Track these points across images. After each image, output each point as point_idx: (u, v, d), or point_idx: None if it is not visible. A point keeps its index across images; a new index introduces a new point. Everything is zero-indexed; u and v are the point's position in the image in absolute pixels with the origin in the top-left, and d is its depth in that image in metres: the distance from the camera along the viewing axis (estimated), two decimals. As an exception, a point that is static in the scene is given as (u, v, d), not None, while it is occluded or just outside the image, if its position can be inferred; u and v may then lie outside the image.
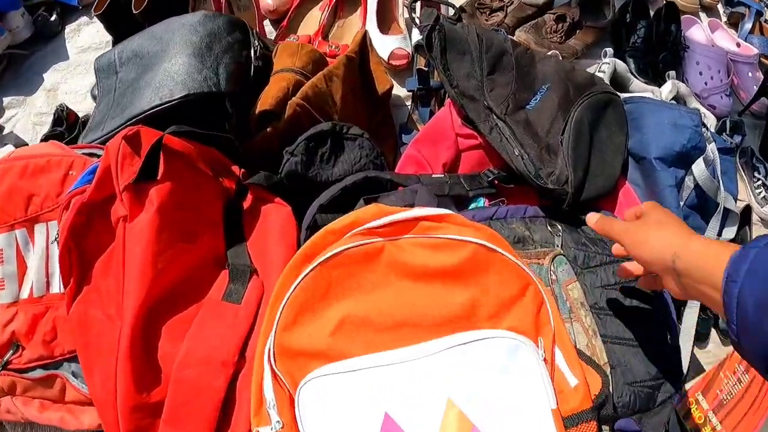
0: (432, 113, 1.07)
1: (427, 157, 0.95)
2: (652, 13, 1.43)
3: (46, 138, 1.08)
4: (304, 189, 0.86)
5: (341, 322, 0.65)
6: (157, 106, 0.82)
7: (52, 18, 1.30)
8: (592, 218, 0.74)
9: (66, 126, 1.08)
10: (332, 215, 0.81)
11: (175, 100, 0.81)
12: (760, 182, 1.36)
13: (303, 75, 0.90)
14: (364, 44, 0.98)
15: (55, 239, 0.84)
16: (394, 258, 0.66)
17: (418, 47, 1.17)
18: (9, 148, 1.09)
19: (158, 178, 0.74)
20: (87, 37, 1.31)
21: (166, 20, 0.93)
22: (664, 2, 1.44)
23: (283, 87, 0.87)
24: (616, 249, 0.72)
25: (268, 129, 0.86)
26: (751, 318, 0.49)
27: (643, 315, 0.84)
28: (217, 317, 0.75)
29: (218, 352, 0.73)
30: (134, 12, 1.06)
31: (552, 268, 0.82)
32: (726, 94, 1.40)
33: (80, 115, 1.13)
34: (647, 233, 0.64)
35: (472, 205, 0.92)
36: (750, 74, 1.50)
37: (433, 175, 0.90)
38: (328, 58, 1.05)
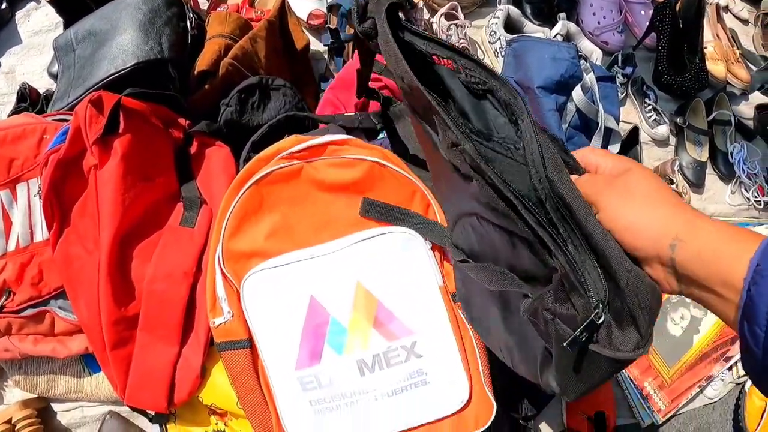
0: (344, 63, 1.30)
1: (341, 99, 1.18)
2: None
3: (12, 113, 1.26)
4: (239, 134, 1.07)
5: (273, 228, 0.85)
6: (112, 74, 1.02)
7: (2, 6, 1.45)
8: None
9: (29, 102, 1.26)
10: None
11: (127, 68, 1.01)
12: (650, 107, 1.62)
13: (232, 39, 1.11)
14: (283, 9, 1.21)
15: (37, 193, 1.00)
16: (311, 176, 0.85)
17: (331, 7, 1.39)
18: None
19: (120, 131, 0.93)
20: (37, 21, 1.47)
21: (113, 1, 1.12)
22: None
23: (216, 50, 1.08)
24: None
25: (206, 86, 1.08)
26: None
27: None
28: (176, 240, 0.97)
29: (179, 267, 0.94)
30: (81, -5, 1.24)
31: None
32: (618, 32, 1.64)
33: (41, 91, 1.31)
34: (636, 211, 0.49)
35: (380, 137, 1.14)
36: (642, 12, 1.74)
37: (345, 114, 1.13)
38: (253, 23, 1.26)
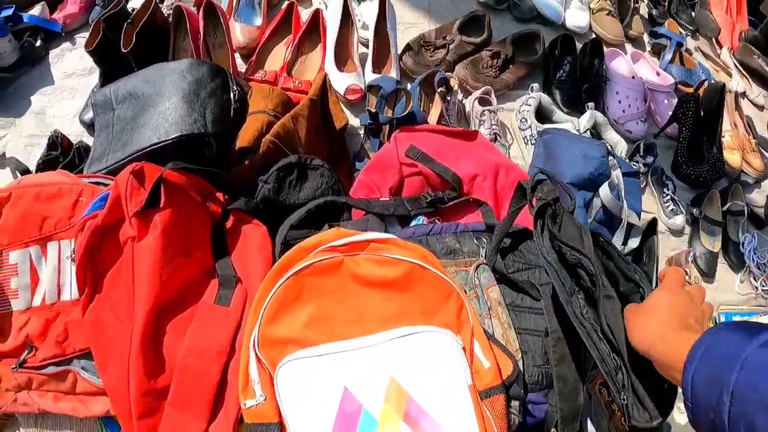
0: (381, 144, 1.33)
1: (375, 182, 1.21)
2: (578, 48, 1.71)
3: (42, 162, 1.27)
4: (275, 211, 1.10)
5: (310, 317, 0.88)
6: (154, 145, 1.04)
7: (38, 43, 1.48)
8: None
9: (60, 151, 1.28)
10: (300, 231, 1.07)
11: (170, 139, 1.04)
12: (668, 197, 1.67)
13: (274, 116, 1.14)
14: (324, 87, 1.23)
15: (70, 256, 1.02)
16: (351, 270, 0.89)
17: (370, 87, 1.43)
18: (8, 172, 1.27)
19: (160, 206, 0.95)
20: (70, 63, 1.50)
21: (156, 65, 1.15)
22: (591, 38, 1.72)
23: (258, 127, 1.11)
24: None
25: (246, 162, 1.10)
26: (702, 395, 0.58)
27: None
28: (211, 317, 0.98)
29: (213, 344, 0.95)
30: (123, 51, 1.28)
31: (476, 274, 1.06)
32: (642, 120, 1.70)
33: (71, 139, 1.32)
34: (636, 320, 0.75)
35: (413, 222, 1.18)
36: (666, 101, 1.80)
37: (381, 199, 1.17)
38: (293, 94, 1.30)
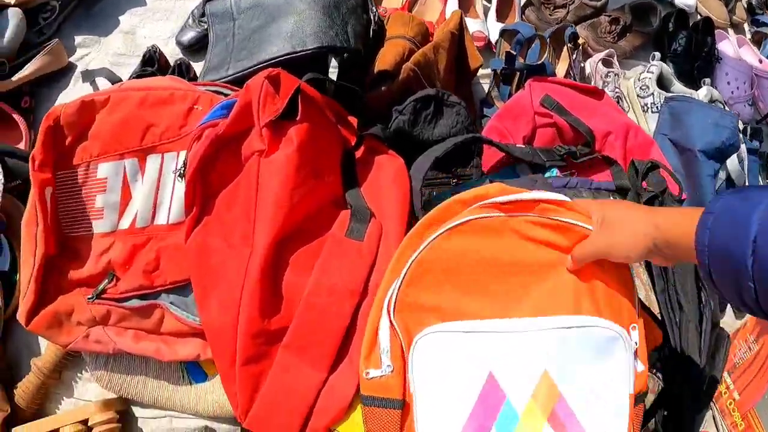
0: (511, 92, 1.24)
1: (509, 129, 1.11)
2: (690, 24, 1.63)
3: (137, 76, 1.15)
4: (407, 145, 0.99)
5: (460, 285, 0.74)
6: (288, 54, 0.93)
7: None
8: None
9: (157, 67, 1.16)
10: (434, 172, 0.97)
11: (309, 50, 0.93)
12: (773, 182, 1.58)
13: (414, 43, 1.04)
14: (462, 23, 1.13)
15: (178, 170, 0.89)
16: (515, 233, 0.73)
17: (504, 32, 1.34)
18: (103, 82, 1.15)
19: (297, 118, 0.83)
20: None
21: None
22: (701, 17, 1.65)
23: (399, 52, 1.01)
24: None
25: (382, 88, 0.99)
26: (722, 249, 0.55)
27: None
28: (343, 252, 0.85)
29: (345, 283, 0.83)
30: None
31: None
32: (748, 104, 1.62)
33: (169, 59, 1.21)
34: (613, 235, 0.68)
35: (546, 174, 1.07)
36: (769, 88, 1.72)
37: (518, 146, 1.07)
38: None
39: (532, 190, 0.75)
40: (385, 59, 1.00)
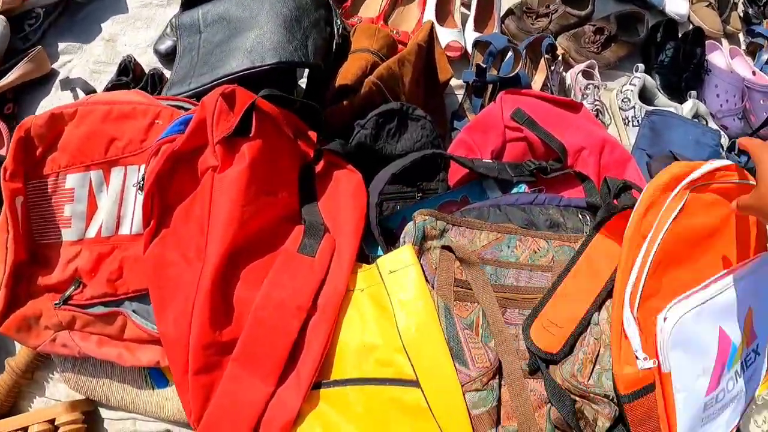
0: (483, 105, 1.22)
1: (477, 142, 1.10)
2: (680, 35, 1.59)
3: (111, 87, 1.17)
4: (368, 161, 0.98)
5: (680, 262, 0.84)
6: (246, 69, 0.92)
7: None
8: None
9: (132, 77, 1.17)
10: (394, 186, 0.98)
11: (266, 65, 0.92)
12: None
13: (379, 57, 1.03)
14: (432, 34, 1.12)
15: (137, 183, 0.91)
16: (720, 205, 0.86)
17: (477, 43, 1.31)
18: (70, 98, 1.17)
19: (250, 135, 0.84)
20: None
21: None
22: (692, 27, 1.61)
23: (362, 65, 1.00)
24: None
25: (344, 102, 0.99)
26: None
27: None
28: (294, 267, 0.85)
29: (294, 298, 0.83)
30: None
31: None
32: (738, 118, 1.58)
33: (145, 68, 1.22)
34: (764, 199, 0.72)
35: (515, 190, 1.07)
36: (762, 102, 1.66)
37: (484, 160, 1.06)
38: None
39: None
40: (347, 73, 0.99)
